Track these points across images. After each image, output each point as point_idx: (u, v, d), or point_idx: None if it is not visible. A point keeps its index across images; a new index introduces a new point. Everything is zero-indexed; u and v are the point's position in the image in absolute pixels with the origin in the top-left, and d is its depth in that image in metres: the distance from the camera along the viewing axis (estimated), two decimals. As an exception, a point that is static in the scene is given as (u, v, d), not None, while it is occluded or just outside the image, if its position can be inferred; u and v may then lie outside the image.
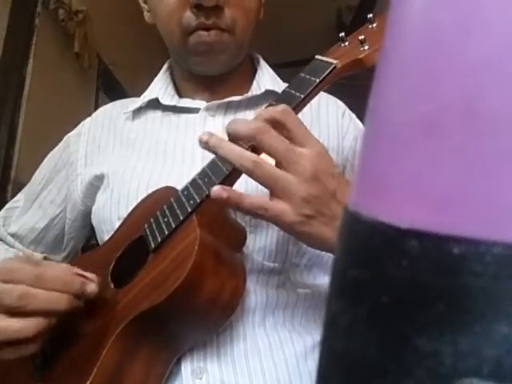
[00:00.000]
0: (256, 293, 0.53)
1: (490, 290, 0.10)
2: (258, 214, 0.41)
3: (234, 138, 0.42)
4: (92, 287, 0.44)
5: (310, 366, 0.52)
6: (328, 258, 0.59)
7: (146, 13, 0.66)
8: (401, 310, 0.12)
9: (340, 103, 0.67)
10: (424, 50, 0.13)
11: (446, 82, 0.12)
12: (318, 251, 0.57)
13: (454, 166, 0.11)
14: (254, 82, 0.65)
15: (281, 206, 0.40)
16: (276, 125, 0.42)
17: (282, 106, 0.43)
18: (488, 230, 0.11)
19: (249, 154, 0.41)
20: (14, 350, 0.42)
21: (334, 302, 0.14)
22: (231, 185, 0.46)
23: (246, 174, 0.41)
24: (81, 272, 0.45)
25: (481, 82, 0.11)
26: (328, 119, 0.63)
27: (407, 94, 0.13)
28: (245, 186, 0.52)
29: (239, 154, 0.41)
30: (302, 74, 0.48)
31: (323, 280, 0.59)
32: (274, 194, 0.41)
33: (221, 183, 0.45)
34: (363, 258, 0.13)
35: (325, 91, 0.52)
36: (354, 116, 0.66)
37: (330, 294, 0.14)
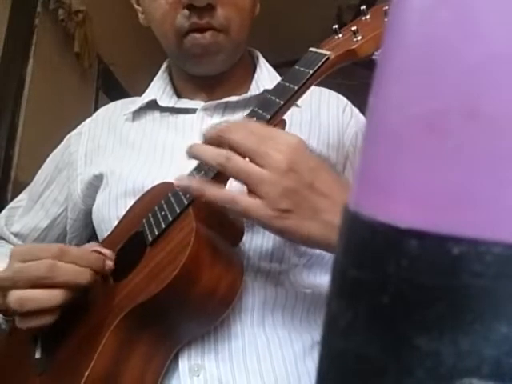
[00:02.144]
0: (254, 292, 0.53)
1: (490, 290, 0.10)
2: (227, 207, 0.40)
3: (208, 142, 0.43)
4: (109, 263, 0.48)
5: (309, 365, 0.52)
6: (329, 257, 0.59)
7: (140, 15, 0.65)
8: (401, 310, 0.12)
9: (342, 98, 0.67)
10: (424, 50, 0.13)
11: (446, 82, 0.12)
12: (318, 251, 0.57)
13: (454, 167, 0.11)
14: (253, 82, 0.64)
15: (253, 201, 0.39)
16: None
17: (236, 122, 0.43)
18: (488, 230, 0.11)
19: (222, 150, 0.41)
20: (38, 318, 0.44)
21: (334, 301, 0.14)
22: (227, 177, 0.46)
23: (220, 170, 0.41)
24: (98, 249, 0.49)
25: (481, 82, 0.11)
26: (329, 115, 0.63)
27: (407, 93, 0.13)
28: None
29: (212, 151, 0.41)
30: (296, 67, 0.48)
31: (324, 279, 0.59)
32: (249, 189, 0.40)
33: (216, 176, 0.45)
34: (363, 257, 0.13)
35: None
36: (356, 111, 0.66)
37: (330, 293, 0.14)
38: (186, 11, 0.55)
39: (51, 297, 0.44)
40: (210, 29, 0.56)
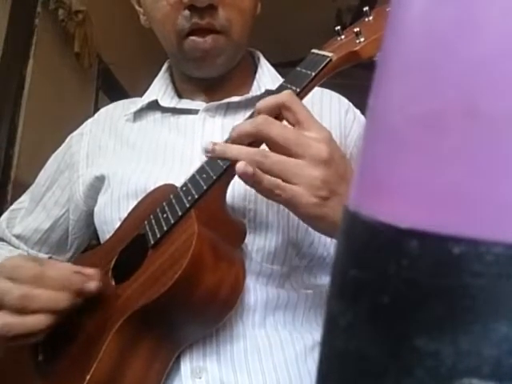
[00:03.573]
0: (256, 293, 0.53)
1: (490, 290, 0.10)
2: (275, 194, 0.40)
3: (239, 140, 0.43)
4: (91, 285, 0.45)
5: (310, 365, 0.52)
6: (330, 259, 0.59)
7: (141, 16, 0.65)
8: (401, 310, 0.12)
9: (344, 100, 0.67)
10: (424, 50, 0.13)
11: (445, 82, 0.12)
12: (319, 253, 0.57)
13: (454, 166, 0.11)
14: (255, 82, 0.64)
15: (297, 188, 0.40)
16: (281, 110, 0.42)
17: (287, 91, 0.44)
18: (488, 230, 0.11)
19: (255, 149, 0.42)
20: (25, 340, 0.44)
21: (334, 301, 0.14)
22: (229, 180, 0.46)
23: (258, 167, 0.41)
24: (80, 270, 0.46)
25: (480, 82, 0.11)
26: (330, 117, 0.63)
27: (407, 93, 0.13)
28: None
29: (246, 150, 0.42)
30: (298, 69, 0.48)
31: (325, 280, 0.59)
32: (287, 180, 0.40)
33: (218, 178, 0.45)
34: (363, 257, 0.13)
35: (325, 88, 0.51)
36: (358, 113, 0.66)
37: (331, 293, 0.14)
38: (186, 12, 0.54)
39: (36, 322, 0.43)
40: (211, 31, 0.56)
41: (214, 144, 0.43)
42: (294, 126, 0.42)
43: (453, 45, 0.12)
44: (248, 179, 0.41)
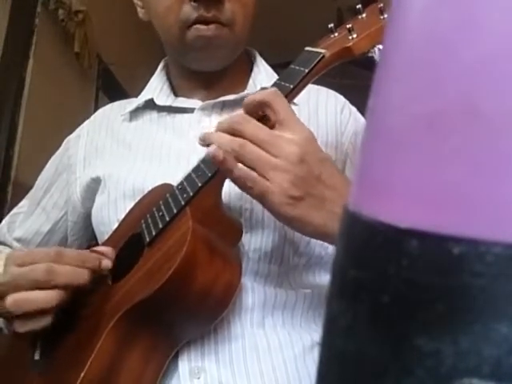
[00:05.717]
0: (254, 293, 0.53)
1: (490, 290, 0.10)
2: (246, 186, 0.41)
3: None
4: (106, 262, 0.49)
5: (309, 366, 0.52)
6: (328, 257, 0.59)
7: (139, 9, 0.65)
8: (401, 310, 0.12)
9: (340, 97, 0.67)
10: (424, 50, 0.13)
11: (446, 82, 0.12)
12: (317, 251, 0.57)
13: (454, 166, 0.11)
14: (250, 80, 0.64)
15: (270, 186, 0.41)
16: (263, 108, 0.43)
17: (272, 89, 0.44)
18: (488, 230, 0.11)
19: (235, 138, 0.42)
20: (35, 320, 0.45)
21: (334, 301, 0.14)
22: (223, 177, 0.47)
23: (234, 156, 0.42)
24: (95, 248, 0.50)
25: (481, 82, 0.11)
26: (326, 115, 0.63)
27: (407, 93, 0.13)
28: None
29: (227, 138, 0.43)
30: (292, 66, 0.49)
31: (323, 279, 0.59)
32: (261, 175, 0.41)
33: (213, 176, 0.46)
34: (363, 257, 0.13)
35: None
36: (354, 110, 0.66)
37: (330, 293, 0.14)
38: (193, 3, 0.55)
39: (47, 297, 0.45)
40: (216, 22, 0.56)
41: (205, 133, 0.45)
42: (274, 124, 0.43)
43: (453, 45, 0.12)
44: (218, 164, 0.42)
